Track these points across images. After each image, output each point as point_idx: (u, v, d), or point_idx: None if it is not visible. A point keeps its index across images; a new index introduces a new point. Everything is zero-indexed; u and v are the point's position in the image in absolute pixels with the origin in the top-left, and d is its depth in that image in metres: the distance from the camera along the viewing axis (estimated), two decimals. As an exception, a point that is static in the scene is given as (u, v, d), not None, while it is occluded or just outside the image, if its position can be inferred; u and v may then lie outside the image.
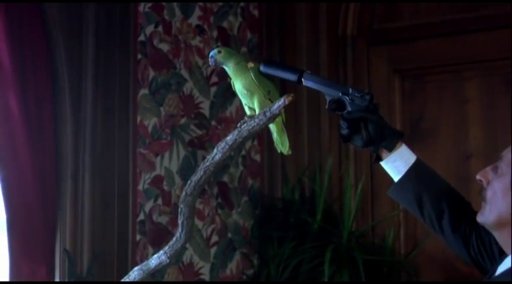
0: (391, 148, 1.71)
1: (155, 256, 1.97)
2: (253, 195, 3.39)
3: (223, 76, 3.27)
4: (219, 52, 1.84)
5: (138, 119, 2.85)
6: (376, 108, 1.72)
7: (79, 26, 2.68)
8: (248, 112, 1.88)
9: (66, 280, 2.50)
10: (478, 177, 1.58)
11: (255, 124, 1.78)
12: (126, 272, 2.06)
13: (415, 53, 3.43)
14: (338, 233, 3.22)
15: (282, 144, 1.94)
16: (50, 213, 2.54)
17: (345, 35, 3.52)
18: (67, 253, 2.51)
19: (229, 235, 3.24)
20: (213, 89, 3.21)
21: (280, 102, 1.73)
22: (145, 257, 2.66)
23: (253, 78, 1.83)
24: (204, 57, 3.18)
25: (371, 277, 3.05)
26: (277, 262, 3.12)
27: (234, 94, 3.31)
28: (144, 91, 2.90)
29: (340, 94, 1.73)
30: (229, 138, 1.82)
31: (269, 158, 3.45)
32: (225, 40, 3.30)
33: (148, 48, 2.93)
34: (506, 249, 1.53)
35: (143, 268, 1.97)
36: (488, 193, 1.54)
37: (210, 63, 1.87)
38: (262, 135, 3.42)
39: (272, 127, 1.91)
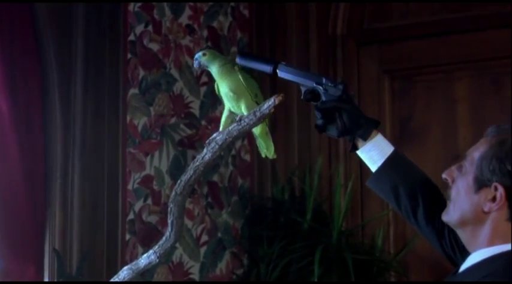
0: (366, 137, 1.71)
1: (145, 255, 1.96)
2: (243, 194, 3.39)
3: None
4: (204, 54, 1.84)
5: (128, 119, 2.85)
6: (350, 97, 1.73)
7: (69, 26, 2.67)
8: (224, 119, 1.87)
9: (56, 280, 2.49)
10: (443, 175, 1.58)
11: (245, 124, 1.78)
12: (115, 271, 2.05)
13: (405, 53, 3.44)
14: (328, 232, 3.23)
15: (266, 148, 1.93)
16: (39, 213, 2.53)
17: (335, 35, 3.53)
18: (56, 253, 2.50)
19: (219, 234, 3.24)
20: (203, 89, 3.21)
21: (270, 102, 1.73)
22: (135, 257, 2.65)
23: (242, 79, 1.83)
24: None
25: (361, 277, 3.06)
26: (267, 262, 3.13)
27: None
28: (134, 90, 2.89)
29: (314, 84, 1.74)
30: (219, 137, 1.82)
31: (259, 158, 3.44)
32: (215, 40, 3.30)
33: (138, 48, 2.92)
34: (469, 247, 1.53)
35: (133, 267, 1.97)
36: (453, 192, 1.55)
37: (194, 66, 1.86)
38: (252, 135, 3.42)
39: (256, 131, 1.90)
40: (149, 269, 2.69)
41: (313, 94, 1.73)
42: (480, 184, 1.48)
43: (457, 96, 3.35)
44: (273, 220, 3.34)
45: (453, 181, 1.56)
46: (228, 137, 1.81)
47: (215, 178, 3.24)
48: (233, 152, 3.34)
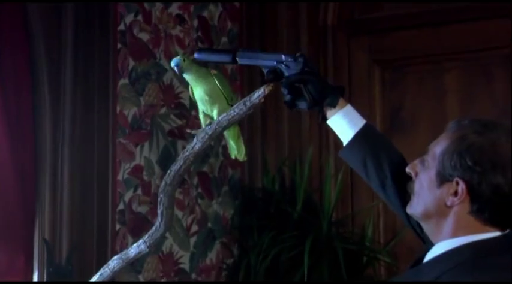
0: (334, 104, 1.73)
1: (134, 245, 1.97)
2: (234, 185, 3.40)
3: (204, 66, 3.26)
4: (184, 60, 1.87)
5: (118, 109, 2.84)
6: (312, 68, 1.74)
7: (58, 16, 2.66)
8: (203, 119, 1.89)
9: (45, 270, 2.49)
10: (407, 169, 1.61)
11: (235, 114, 1.78)
12: (105, 262, 2.06)
13: (395, 44, 3.44)
14: (318, 223, 3.23)
15: (238, 150, 1.95)
16: (29, 203, 2.53)
17: (326, 26, 3.52)
18: (46, 243, 2.50)
19: (209, 224, 3.24)
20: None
21: (260, 92, 1.73)
22: (124, 247, 2.65)
23: (217, 83, 1.85)
24: (185, 47, 3.17)
25: (350, 266, 3.07)
26: (257, 252, 3.13)
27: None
28: (123, 81, 2.88)
29: (275, 63, 1.74)
30: (209, 127, 1.82)
31: (249, 148, 3.44)
32: (205, 30, 3.29)
33: (128, 38, 2.91)
34: (433, 239, 1.56)
35: (122, 257, 1.97)
36: (416, 186, 1.57)
37: (176, 71, 1.88)
38: (242, 125, 3.42)
39: (227, 134, 1.92)
40: (139, 259, 2.69)
41: (275, 73, 1.74)
42: (442, 179, 1.51)
43: (447, 87, 3.36)
44: (263, 210, 3.34)
45: (416, 175, 1.58)
46: (217, 127, 1.81)
47: (205, 168, 3.24)
48: (223, 142, 3.33)
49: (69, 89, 2.65)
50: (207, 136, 1.83)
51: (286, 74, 1.73)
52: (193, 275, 3.13)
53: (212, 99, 1.86)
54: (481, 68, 3.30)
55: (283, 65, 1.73)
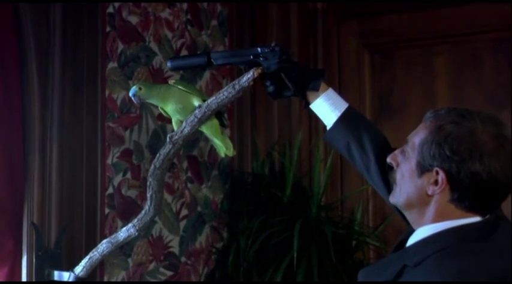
0: (317, 88, 1.77)
1: (124, 228, 1.97)
2: (223, 169, 3.39)
3: (193, 49, 3.25)
4: (140, 88, 1.88)
5: (107, 92, 2.83)
6: (289, 56, 1.77)
7: (46, -2, 2.64)
8: (176, 127, 1.89)
9: (34, 253, 2.48)
10: (388, 159, 1.64)
11: (224, 97, 1.78)
12: (94, 245, 2.06)
13: (385, 28, 3.44)
14: (307, 207, 3.24)
15: (225, 146, 1.96)
16: (18, 186, 2.52)
17: (316, 9, 3.52)
18: (34, 226, 2.49)
19: (199, 208, 3.24)
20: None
21: (249, 75, 1.73)
22: (114, 231, 2.64)
23: (182, 87, 1.87)
24: (174, 30, 3.15)
25: (340, 250, 3.08)
26: (247, 235, 3.14)
27: (203, 69, 3.30)
28: (112, 64, 2.87)
29: (252, 57, 1.77)
30: (198, 111, 1.82)
31: (239, 132, 3.45)
32: (195, 13, 3.27)
33: (117, 21, 2.89)
34: (415, 226, 1.59)
35: (112, 240, 1.97)
36: (398, 176, 1.60)
37: (134, 102, 1.91)
38: (232, 109, 3.42)
39: (209, 133, 1.93)
40: (129, 243, 2.69)
41: (252, 67, 1.77)
42: (422, 168, 1.53)
43: (436, 71, 3.36)
44: (252, 194, 3.35)
45: (397, 165, 1.60)
46: (207, 110, 1.81)
47: (195, 152, 3.23)
48: (213, 126, 3.33)
49: (58, 72, 2.63)
50: (196, 120, 1.83)
51: (265, 66, 1.75)
52: (183, 259, 3.13)
53: (186, 104, 1.87)
54: (470, 52, 3.31)
55: (260, 58, 1.76)
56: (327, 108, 1.79)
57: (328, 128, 1.81)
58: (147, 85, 1.92)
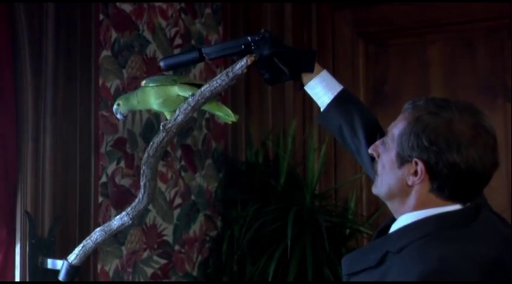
0: (311, 69, 1.80)
1: (117, 217, 1.97)
2: (217, 157, 3.39)
3: (187, 38, 3.25)
4: (118, 104, 1.92)
5: (100, 81, 2.82)
6: (279, 41, 1.79)
7: (39, -14, 2.62)
8: (169, 116, 1.90)
9: (27, 242, 2.48)
10: (369, 150, 1.67)
11: (217, 84, 1.78)
12: (88, 234, 2.06)
13: (379, 16, 3.44)
14: (301, 195, 3.25)
15: (227, 115, 1.97)
16: (11, 175, 2.51)
17: (310, -2, 3.51)
18: (28, 215, 2.49)
19: (193, 197, 3.24)
20: (177, 51, 3.18)
21: (243, 63, 1.73)
22: (107, 220, 2.64)
23: (152, 84, 1.89)
24: (168, 19, 3.15)
25: (333, 238, 3.09)
26: (241, 224, 3.14)
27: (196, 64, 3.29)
28: (106, 53, 2.86)
29: (243, 47, 1.79)
30: (191, 99, 1.81)
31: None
32: (189, 1, 3.26)
33: (111, 9, 2.88)
34: (396, 215, 1.62)
35: (105, 229, 1.97)
36: (379, 167, 1.63)
37: (119, 118, 1.96)
38: (226, 98, 3.41)
39: (209, 107, 1.94)
40: (122, 231, 2.70)
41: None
42: (402, 159, 1.55)
43: (430, 60, 3.36)
44: (246, 183, 3.35)
45: (378, 156, 1.63)
46: (200, 98, 1.81)
47: (189, 141, 3.23)
48: (207, 115, 3.33)
49: (51, 62, 2.62)
50: (189, 108, 1.82)
51: (257, 53, 1.76)
52: (177, 247, 3.14)
53: (165, 96, 1.89)
54: (463, 41, 3.31)
55: (252, 47, 1.77)
56: (320, 90, 1.81)
57: (321, 110, 1.83)
58: (125, 97, 1.95)
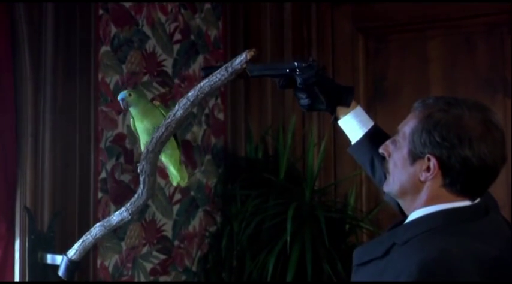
0: (349, 104, 1.86)
1: (117, 212, 1.96)
2: (217, 153, 3.39)
3: (187, 33, 3.24)
4: (130, 95, 1.91)
5: (100, 77, 2.82)
6: (323, 71, 1.84)
7: (38, -19, 2.62)
8: (143, 147, 1.91)
9: (27, 237, 2.48)
10: (380, 150, 1.70)
11: (217, 79, 1.77)
12: (87, 229, 2.05)
13: (378, 12, 3.43)
14: (301, 191, 3.25)
15: (180, 176, 1.99)
16: (10, 171, 2.51)
17: (309, -7, 3.50)
18: (27, 211, 2.49)
19: (192, 193, 3.24)
20: (176, 47, 3.18)
21: (242, 57, 1.72)
22: (107, 215, 2.64)
23: (163, 114, 1.91)
24: (167, 14, 3.14)
25: (333, 234, 3.08)
26: (240, 220, 3.14)
27: (197, 52, 3.29)
28: (105, 48, 2.86)
29: (288, 71, 1.83)
30: (191, 94, 1.81)
31: (232, 116, 3.44)
32: (188, -3, 3.26)
33: (110, 4, 2.88)
34: (408, 213, 1.64)
35: (105, 224, 1.97)
36: (390, 165, 1.66)
37: (122, 106, 1.94)
38: (225, 93, 3.41)
39: (167, 160, 1.98)
40: (122, 226, 2.69)
41: (288, 80, 1.84)
42: (414, 156, 1.59)
43: (430, 55, 3.36)
44: (246, 179, 3.35)
45: (389, 155, 1.67)
46: (199, 93, 1.80)
47: (188, 137, 3.23)
48: (206, 111, 3.33)
49: (50, 57, 2.62)
50: (188, 103, 1.82)
51: (299, 80, 1.81)
52: (176, 243, 3.14)
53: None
54: (463, 36, 3.30)
55: (296, 72, 1.82)
56: (355, 125, 1.87)
57: (353, 142, 1.89)
58: (138, 93, 1.96)
